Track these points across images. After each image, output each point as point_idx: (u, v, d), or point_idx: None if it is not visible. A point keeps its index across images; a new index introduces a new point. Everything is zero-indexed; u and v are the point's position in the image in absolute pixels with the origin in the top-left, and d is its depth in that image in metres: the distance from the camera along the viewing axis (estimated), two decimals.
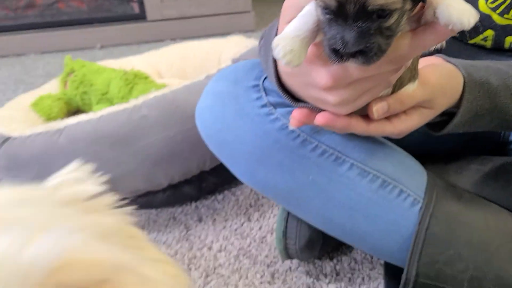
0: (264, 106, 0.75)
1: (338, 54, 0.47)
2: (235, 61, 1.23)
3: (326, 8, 0.47)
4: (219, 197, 1.26)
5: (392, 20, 0.46)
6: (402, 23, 0.48)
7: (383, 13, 0.45)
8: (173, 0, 2.72)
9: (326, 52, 0.49)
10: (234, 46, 1.60)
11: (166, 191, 1.16)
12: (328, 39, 0.48)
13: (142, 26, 2.77)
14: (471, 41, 0.91)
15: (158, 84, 1.44)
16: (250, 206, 1.21)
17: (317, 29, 0.52)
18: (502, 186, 0.79)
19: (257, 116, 0.75)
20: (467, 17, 0.45)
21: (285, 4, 0.59)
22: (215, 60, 1.62)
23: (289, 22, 0.56)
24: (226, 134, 0.78)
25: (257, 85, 0.77)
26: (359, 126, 0.61)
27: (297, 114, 0.63)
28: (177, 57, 1.74)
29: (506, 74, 0.65)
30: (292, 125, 0.64)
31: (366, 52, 0.46)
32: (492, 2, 0.81)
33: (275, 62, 0.65)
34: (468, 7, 0.45)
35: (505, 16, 0.81)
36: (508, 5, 0.80)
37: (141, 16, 2.76)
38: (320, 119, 0.60)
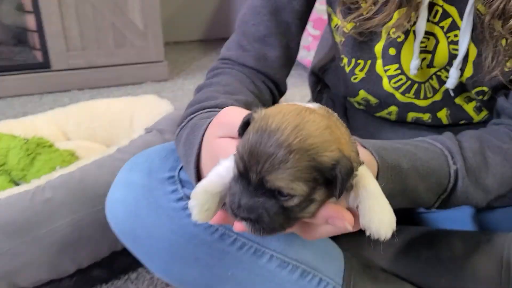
0: (180, 199, 0.72)
1: (233, 212, 0.48)
2: (148, 130, 1.18)
3: (237, 166, 0.48)
4: (133, 276, 1.17)
5: (292, 203, 0.47)
6: (308, 209, 0.48)
7: (282, 193, 0.46)
8: (80, 49, 2.59)
9: (227, 202, 0.50)
10: (147, 105, 1.55)
11: (73, 276, 1.06)
12: (230, 193, 0.49)
13: (46, 76, 2.60)
14: (377, 114, 0.97)
15: (64, 151, 1.34)
16: (167, 285, 1.15)
17: None
18: (413, 260, 0.83)
19: (173, 210, 0.72)
20: (385, 230, 0.47)
21: (221, 118, 0.60)
22: (127, 120, 1.56)
23: (222, 136, 0.57)
24: (140, 230, 0.73)
25: (172, 177, 0.74)
26: None
27: (215, 218, 0.61)
28: (85, 116, 1.64)
29: (414, 156, 0.67)
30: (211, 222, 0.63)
31: (255, 223, 0.47)
32: (395, 82, 0.87)
33: (197, 162, 0.64)
34: (388, 215, 0.49)
35: (407, 95, 0.87)
36: (408, 86, 0.86)
37: (45, 65, 2.59)
38: (238, 227, 0.59)
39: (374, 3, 0.78)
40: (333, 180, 0.46)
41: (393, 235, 0.48)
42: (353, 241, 0.86)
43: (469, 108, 0.88)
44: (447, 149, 0.72)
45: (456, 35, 0.79)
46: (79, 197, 0.99)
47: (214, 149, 0.58)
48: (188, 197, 0.72)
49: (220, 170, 0.51)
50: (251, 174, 0.45)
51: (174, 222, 0.71)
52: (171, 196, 0.71)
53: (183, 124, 0.72)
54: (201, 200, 0.50)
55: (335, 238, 0.81)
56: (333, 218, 0.49)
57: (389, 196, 0.69)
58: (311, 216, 0.49)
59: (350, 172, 0.46)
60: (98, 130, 1.62)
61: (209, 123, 0.63)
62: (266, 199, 0.46)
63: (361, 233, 0.92)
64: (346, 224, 0.48)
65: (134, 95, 2.26)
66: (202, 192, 0.50)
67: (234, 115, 0.57)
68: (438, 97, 0.87)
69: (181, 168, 0.75)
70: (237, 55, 0.87)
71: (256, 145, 0.45)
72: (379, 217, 0.48)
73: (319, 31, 2.68)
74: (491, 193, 0.76)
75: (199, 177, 0.65)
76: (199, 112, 0.72)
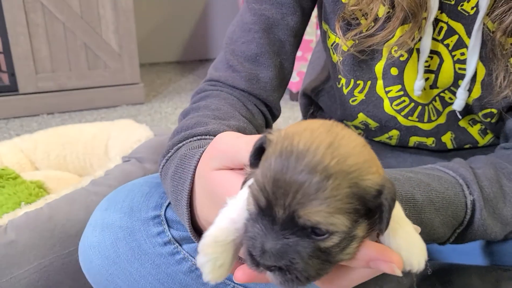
0: (167, 243, 0.64)
1: (254, 260, 0.39)
2: (125, 159, 1.08)
3: (255, 201, 0.39)
4: None
5: (330, 243, 0.38)
6: (348, 249, 0.40)
7: (319, 231, 0.38)
8: (50, 71, 2.48)
9: (244, 250, 0.41)
10: (123, 131, 1.45)
11: None
12: (248, 237, 0.40)
13: (13, 100, 2.47)
14: (376, 139, 0.90)
15: (31, 183, 1.21)
16: None
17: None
18: None
19: (159, 256, 0.63)
20: (418, 259, 0.41)
21: (215, 146, 0.51)
22: (101, 147, 1.45)
23: (219, 168, 0.49)
24: (120, 280, 0.64)
25: (157, 216, 0.65)
26: None
27: (244, 277, 0.52)
28: (55, 143, 1.52)
29: (428, 186, 0.63)
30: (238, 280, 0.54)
31: (286, 272, 0.38)
32: (397, 105, 0.81)
33: (189, 201, 0.55)
34: (418, 242, 0.42)
35: (410, 118, 0.81)
36: (412, 108, 0.80)
37: (12, 89, 2.46)
38: (239, 276, 0.50)
39: (375, 20, 0.73)
40: (375, 210, 0.39)
41: (426, 265, 0.42)
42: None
43: (474, 131, 0.82)
44: (461, 177, 0.67)
45: (463, 53, 0.75)
46: (47, 239, 0.87)
47: (211, 184, 0.50)
48: (177, 241, 0.63)
49: (230, 213, 0.43)
50: (276, 209, 0.37)
51: (160, 270, 0.63)
52: (156, 240, 0.64)
53: (169, 154, 0.63)
54: (213, 254, 0.41)
55: None
56: (377, 260, 0.40)
57: None
58: (350, 258, 0.41)
59: (395, 198, 0.39)
60: (70, 159, 1.50)
61: (202, 153, 0.55)
62: (298, 240, 0.37)
63: None
64: (394, 268, 0.40)
65: (108, 120, 2.16)
66: (212, 244, 0.42)
67: (231, 142, 0.49)
68: (442, 119, 0.81)
69: (168, 205, 0.66)
70: (226, 76, 0.80)
71: (282, 171, 0.37)
72: (408, 245, 0.41)
73: (301, 52, 2.66)
74: (509, 224, 0.70)
75: (192, 218, 0.56)
76: (188, 141, 0.63)
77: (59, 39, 2.45)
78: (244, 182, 0.45)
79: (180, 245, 0.64)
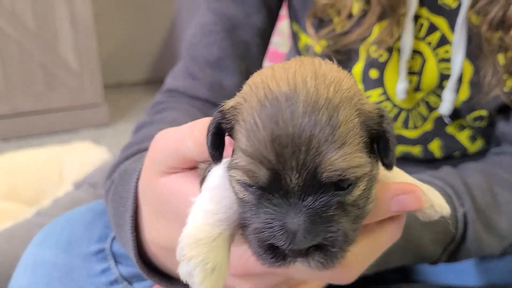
0: (114, 282, 0.56)
1: (279, 254, 0.32)
2: (77, 185, 0.97)
3: (252, 180, 0.32)
4: None
5: (358, 192, 0.33)
6: (371, 196, 0.35)
7: (344, 183, 0.32)
8: (3, 94, 2.33)
9: (253, 249, 0.33)
10: (80, 155, 1.35)
11: None
12: (257, 229, 0.32)
13: None
14: None
15: None
16: None
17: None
18: None
19: None
20: (440, 204, 0.41)
21: (155, 145, 0.43)
22: (55, 173, 1.33)
23: (166, 171, 0.41)
24: None
25: (101, 250, 0.58)
26: None
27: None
28: (5, 170, 1.40)
29: None
30: None
31: (326, 247, 0.31)
32: None
33: (134, 224, 0.47)
34: (432, 191, 0.42)
35: (393, 125, 0.75)
36: (395, 114, 0.75)
37: None
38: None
39: (350, 17, 0.67)
40: (377, 141, 0.35)
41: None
42: None
43: (463, 137, 0.77)
44: (450, 187, 0.63)
45: (447, 51, 0.70)
46: None
47: (159, 194, 0.43)
48: (125, 279, 0.54)
49: (204, 205, 0.36)
50: (288, 176, 0.31)
51: None
52: (100, 279, 0.56)
53: (112, 173, 0.54)
54: (199, 257, 0.34)
55: None
56: (401, 195, 0.37)
57: (389, 252, 0.56)
58: (373, 207, 0.36)
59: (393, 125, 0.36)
60: (21, 187, 1.37)
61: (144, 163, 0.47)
62: (326, 204, 0.32)
63: None
64: (420, 196, 0.38)
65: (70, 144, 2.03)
66: (194, 245, 0.34)
67: (171, 134, 0.42)
68: (428, 126, 0.76)
69: (115, 237, 0.56)
70: (185, 85, 0.74)
71: (280, 125, 0.30)
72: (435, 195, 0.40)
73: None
74: (506, 237, 0.66)
75: (139, 246, 0.48)
76: (137, 157, 0.55)
77: (13, 58, 2.32)
78: (202, 181, 0.38)
79: (130, 283, 0.56)
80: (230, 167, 0.33)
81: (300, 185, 0.30)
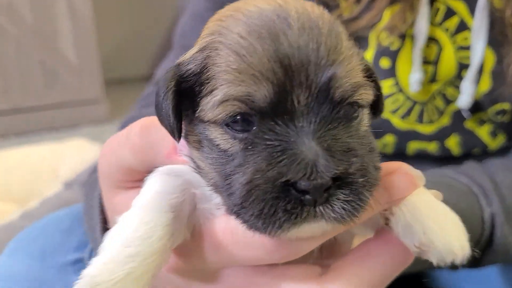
0: None
1: (292, 206, 0.26)
2: (68, 185, 0.92)
3: (245, 114, 0.27)
4: None
5: (366, 119, 0.30)
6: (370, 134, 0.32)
7: (353, 107, 0.29)
8: (2, 91, 2.30)
9: (247, 213, 0.27)
10: (76, 153, 1.30)
11: None
12: (253, 175, 0.26)
13: None
14: None
15: None
16: None
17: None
18: None
19: None
20: (460, 242, 0.32)
21: (101, 156, 0.40)
22: (50, 171, 1.28)
23: (120, 186, 0.37)
24: None
25: (79, 260, 0.52)
26: None
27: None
28: None
29: None
30: None
31: (351, 182, 0.26)
32: (391, 104, 0.69)
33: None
34: (457, 223, 0.34)
35: (406, 119, 0.70)
36: (408, 107, 0.69)
37: None
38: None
39: (357, 1, 0.64)
40: None
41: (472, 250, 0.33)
42: None
43: (483, 132, 0.71)
44: (477, 185, 0.58)
45: (466, 38, 0.65)
46: None
47: (120, 211, 0.37)
48: None
49: (122, 228, 0.31)
50: (296, 92, 0.26)
51: None
52: None
53: (90, 177, 0.49)
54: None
55: None
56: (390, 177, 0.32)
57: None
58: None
59: None
60: (14, 185, 1.33)
61: None
62: (341, 130, 0.27)
63: None
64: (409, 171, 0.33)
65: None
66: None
67: (114, 146, 0.38)
68: (445, 120, 0.71)
69: None
70: None
71: (280, 37, 0.27)
72: (442, 228, 0.31)
73: None
74: None
75: None
76: None
77: (11, 55, 2.30)
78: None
79: None
80: (208, 109, 0.27)
81: (309, 106, 0.26)
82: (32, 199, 1.29)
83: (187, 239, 0.32)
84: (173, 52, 0.73)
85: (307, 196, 0.25)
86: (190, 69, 0.29)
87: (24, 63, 2.33)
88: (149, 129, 0.33)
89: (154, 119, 0.32)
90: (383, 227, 0.33)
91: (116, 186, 0.37)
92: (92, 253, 0.51)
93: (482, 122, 0.71)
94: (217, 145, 0.28)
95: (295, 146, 0.25)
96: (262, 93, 0.26)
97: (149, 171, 0.34)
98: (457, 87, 0.67)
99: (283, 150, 0.25)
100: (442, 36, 0.65)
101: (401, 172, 0.32)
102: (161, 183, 0.31)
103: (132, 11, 3.24)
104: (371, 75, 0.31)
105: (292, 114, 0.26)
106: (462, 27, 0.64)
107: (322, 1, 0.65)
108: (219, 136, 0.28)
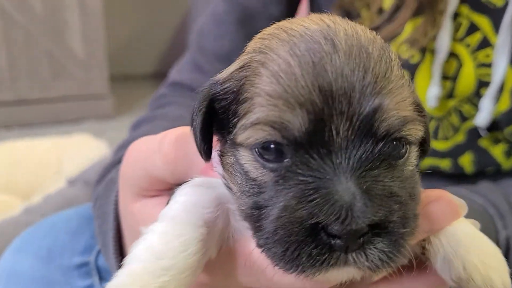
0: None
1: (321, 250, 0.24)
2: (71, 182, 0.91)
3: (277, 143, 0.25)
4: None
5: (413, 157, 0.28)
6: (417, 177, 0.30)
7: (399, 143, 0.26)
8: (8, 81, 2.29)
9: (275, 251, 0.25)
10: (80, 147, 1.29)
11: None
12: (283, 212, 0.24)
13: None
14: None
15: None
16: None
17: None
18: None
19: None
20: (499, 274, 0.30)
21: (127, 161, 0.39)
22: (53, 165, 1.28)
23: (142, 194, 0.36)
24: None
25: (85, 264, 0.52)
26: None
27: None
28: (3, 163, 1.34)
29: None
30: None
31: (389, 230, 0.24)
32: None
33: (117, 244, 0.42)
34: (496, 253, 0.31)
35: None
36: None
37: None
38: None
39: (380, 11, 0.61)
40: None
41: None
42: None
43: (497, 151, 0.71)
44: (492, 205, 0.57)
45: (488, 55, 0.64)
46: None
47: (139, 220, 0.38)
48: None
49: (152, 240, 0.29)
50: (336, 122, 0.24)
51: None
52: None
53: (102, 177, 0.49)
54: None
55: None
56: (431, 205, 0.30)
57: None
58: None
59: None
60: (18, 179, 1.32)
61: None
62: (383, 170, 0.25)
63: None
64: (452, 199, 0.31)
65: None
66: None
67: (143, 151, 0.37)
68: (460, 137, 0.70)
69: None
70: (191, 78, 0.69)
71: (324, 58, 0.25)
72: (483, 262, 0.29)
73: None
74: None
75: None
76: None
77: (19, 45, 2.28)
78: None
79: None
80: (239, 132, 0.26)
81: (349, 139, 0.23)
82: (35, 192, 1.29)
83: (212, 256, 0.31)
84: (189, 52, 0.73)
85: (338, 241, 0.23)
86: (227, 87, 0.28)
87: (32, 54, 2.32)
88: (185, 141, 0.32)
89: (190, 131, 0.31)
90: (419, 255, 0.31)
91: (138, 194, 0.36)
92: (98, 257, 0.51)
93: (497, 141, 0.70)
94: (246, 172, 0.26)
95: (330, 184, 0.23)
96: (296, 120, 0.24)
97: (178, 183, 0.32)
98: (474, 104, 0.66)
99: (317, 188, 0.23)
100: (462, 51, 0.64)
101: (444, 200, 0.30)
102: (196, 196, 0.30)
103: (141, 8, 3.23)
104: (421, 110, 0.29)
105: (330, 147, 0.24)
106: (485, 43, 0.63)
107: (343, 10, 0.65)
108: (248, 162, 0.26)
